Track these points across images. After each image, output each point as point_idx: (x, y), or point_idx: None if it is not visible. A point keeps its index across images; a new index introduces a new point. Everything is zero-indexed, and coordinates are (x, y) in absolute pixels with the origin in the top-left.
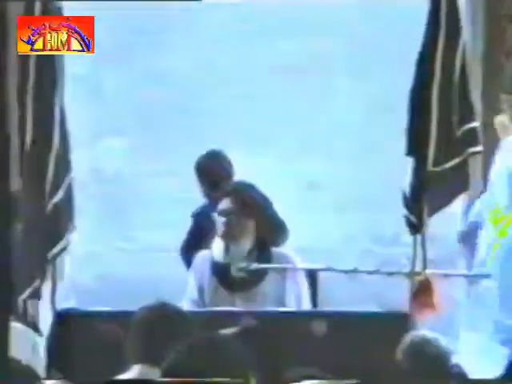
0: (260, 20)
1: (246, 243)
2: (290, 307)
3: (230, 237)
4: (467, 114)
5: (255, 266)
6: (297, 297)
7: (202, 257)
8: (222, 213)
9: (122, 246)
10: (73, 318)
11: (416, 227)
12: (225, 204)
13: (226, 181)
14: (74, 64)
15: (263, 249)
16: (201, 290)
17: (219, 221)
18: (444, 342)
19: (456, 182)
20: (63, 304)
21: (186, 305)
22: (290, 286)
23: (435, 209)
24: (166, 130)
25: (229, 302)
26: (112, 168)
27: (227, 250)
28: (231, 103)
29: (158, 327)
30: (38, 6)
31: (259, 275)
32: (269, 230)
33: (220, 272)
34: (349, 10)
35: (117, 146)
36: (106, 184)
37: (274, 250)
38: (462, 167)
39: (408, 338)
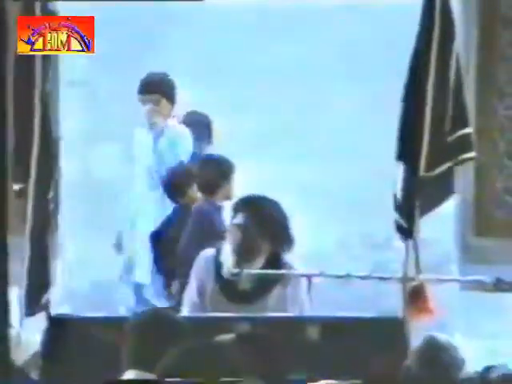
0: (258, 23)
1: (258, 261)
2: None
3: (242, 253)
4: (461, 120)
5: (248, 271)
6: (298, 307)
7: (204, 258)
8: (238, 227)
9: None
10: (66, 323)
11: (407, 232)
12: (242, 219)
13: (222, 183)
14: (69, 69)
15: (275, 263)
16: (201, 293)
17: (232, 233)
18: (458, 348)
19: (444, 187)
20: (56, 310)
21: (185, 307)
22: (291, 297)
23: (423, 212)
24: None
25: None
26: (106, 173)
27: (238, 264)
28: (227, 106)
29: (153, 333)
30: (38, 6)
31: (265, 289)
32: (282, 247)
33: (224, 283)
34: (344, 13)
35: (110, 151)
36: (100, 188)
37: (286, 263)
38: (450, 172)
39: (424, 341)
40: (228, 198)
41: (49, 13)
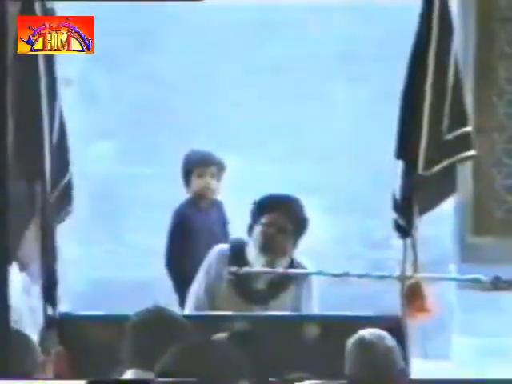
0: (253, 23)
1: (285, 261)
2: None
3: (274, 252)
4: (460, 118)
5: (246, 269)
6: (311, 308)
7: (216, 254)
8: (270, 226)
9: (114, 250)
10: (64, 322)
11: (405, 230)
12: (276, 218)
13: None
14: (65, 67)
15: (290, 264)
16: (209, 290)
17: (264, 232)
18: (392, 341)
19: (445, 185)
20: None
21: (190, 303)
22: (306, 298)
23: (423, 211)
24: (156, 133)
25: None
26: (102, 171)
27: (268, 263)
28: (223, 106)
29: (153, 332)
30: (38, 6)
31: (280, 288)
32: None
33: (238, 282)
34: (342, 12)
35: (107, 149)
36: (97, 187)
37: (299, 263)
38: (451, 170)
39: (353, 344)
40: (213, 196)
41: (51, 11)
